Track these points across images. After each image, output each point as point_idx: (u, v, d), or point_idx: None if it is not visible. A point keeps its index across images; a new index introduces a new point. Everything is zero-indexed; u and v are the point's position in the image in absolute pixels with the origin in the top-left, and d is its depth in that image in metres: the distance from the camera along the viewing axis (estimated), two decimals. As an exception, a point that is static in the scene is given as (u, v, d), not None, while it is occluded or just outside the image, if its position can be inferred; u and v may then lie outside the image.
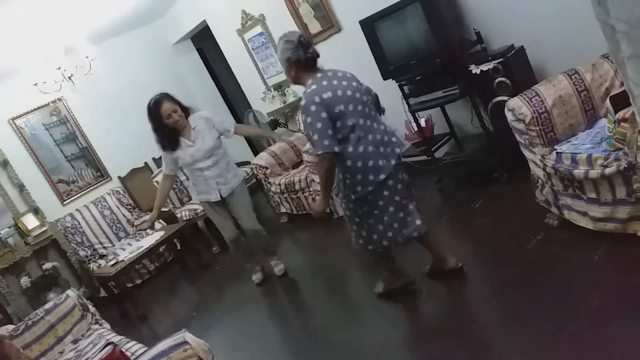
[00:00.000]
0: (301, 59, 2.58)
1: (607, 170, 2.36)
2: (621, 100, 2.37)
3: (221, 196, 3.85)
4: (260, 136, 3.93)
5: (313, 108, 2.47)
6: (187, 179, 4.33)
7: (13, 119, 5.86)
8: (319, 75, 2.59)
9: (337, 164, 2.60)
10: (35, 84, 5.29)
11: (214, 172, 3.77)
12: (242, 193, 3.98)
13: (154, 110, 3.59)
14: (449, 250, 2.97)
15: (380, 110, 2.87)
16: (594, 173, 2.43)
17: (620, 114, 2.36)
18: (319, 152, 2.49)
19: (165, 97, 3.63)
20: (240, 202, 3.95)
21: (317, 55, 2.65)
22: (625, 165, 2.27)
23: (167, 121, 3.60)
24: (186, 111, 3.73)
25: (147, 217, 4.66)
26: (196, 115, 3.77)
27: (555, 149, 2.72)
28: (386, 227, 2.74)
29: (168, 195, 4.42)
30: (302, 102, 2.54)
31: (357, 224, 2.81)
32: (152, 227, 4.46)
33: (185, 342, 1.86)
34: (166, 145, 3.71)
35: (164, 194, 4.04)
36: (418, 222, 2.80)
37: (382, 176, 2.62)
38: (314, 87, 2.53)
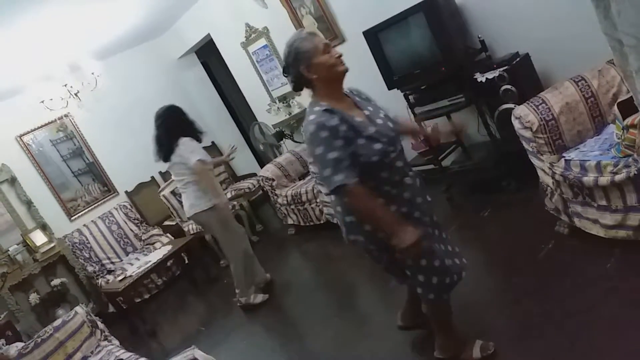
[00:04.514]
0: None
1: (617, 177, 2.33)
2: (629, 106, 2.35)
3: None
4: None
5: None
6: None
7: (20, 136, 5.90)
8: None
9: None
10: (42, 101, 5.32)
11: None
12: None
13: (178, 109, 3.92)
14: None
15: None
16: (604, 180, 2.40)
17: (629, 120, 2.34)
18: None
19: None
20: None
21: None
22: (635, 172, 2.24)
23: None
24: None
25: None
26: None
27: (564, 157, 2.70)
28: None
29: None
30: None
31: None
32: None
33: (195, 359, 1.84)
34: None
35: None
36: None
37: None
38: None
